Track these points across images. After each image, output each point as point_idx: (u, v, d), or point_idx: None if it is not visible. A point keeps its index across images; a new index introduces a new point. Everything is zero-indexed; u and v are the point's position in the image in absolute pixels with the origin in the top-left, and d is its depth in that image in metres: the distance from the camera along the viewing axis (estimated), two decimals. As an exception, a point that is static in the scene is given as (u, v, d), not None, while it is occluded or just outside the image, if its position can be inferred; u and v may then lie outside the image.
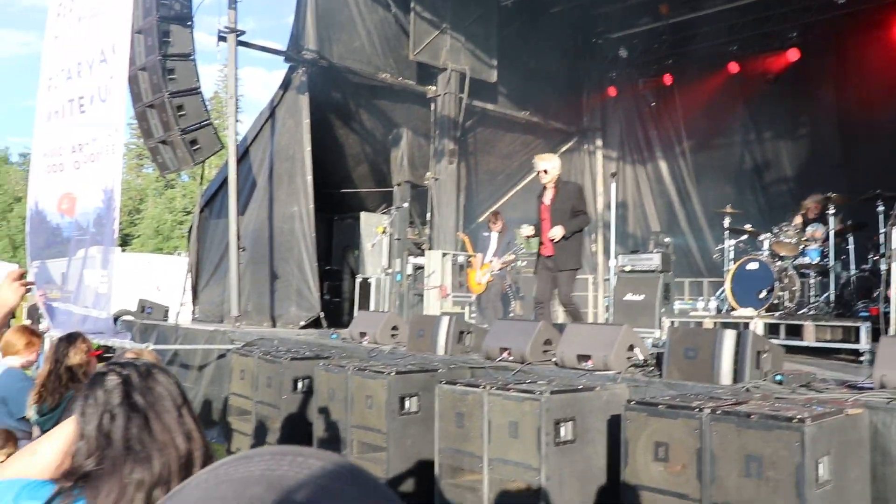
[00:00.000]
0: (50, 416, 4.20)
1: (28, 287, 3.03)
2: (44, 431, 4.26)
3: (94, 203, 9.73)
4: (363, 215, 13.00)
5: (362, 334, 8.20)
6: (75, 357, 4.23)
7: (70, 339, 4.31)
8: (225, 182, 11.57)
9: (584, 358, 5.87)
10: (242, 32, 10.69)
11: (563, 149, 16.39)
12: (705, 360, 5.15)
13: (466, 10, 13.43)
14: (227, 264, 11.26)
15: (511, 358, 6.30)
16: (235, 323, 9.95)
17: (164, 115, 10.49)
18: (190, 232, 13.53)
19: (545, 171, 7.81)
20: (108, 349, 8.32)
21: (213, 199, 12.47)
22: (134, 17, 9.80)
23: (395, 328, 8.09)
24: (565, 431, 4.66)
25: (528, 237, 8.13)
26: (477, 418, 4.92)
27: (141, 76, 10.69)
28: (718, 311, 9.62)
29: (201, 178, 12.97)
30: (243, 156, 11.70)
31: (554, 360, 6.18)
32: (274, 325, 10.91)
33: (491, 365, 6.29)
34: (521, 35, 14.22)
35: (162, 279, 20.16)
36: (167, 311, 11.73)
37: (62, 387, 4.17)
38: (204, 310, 12.39)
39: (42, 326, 10.56)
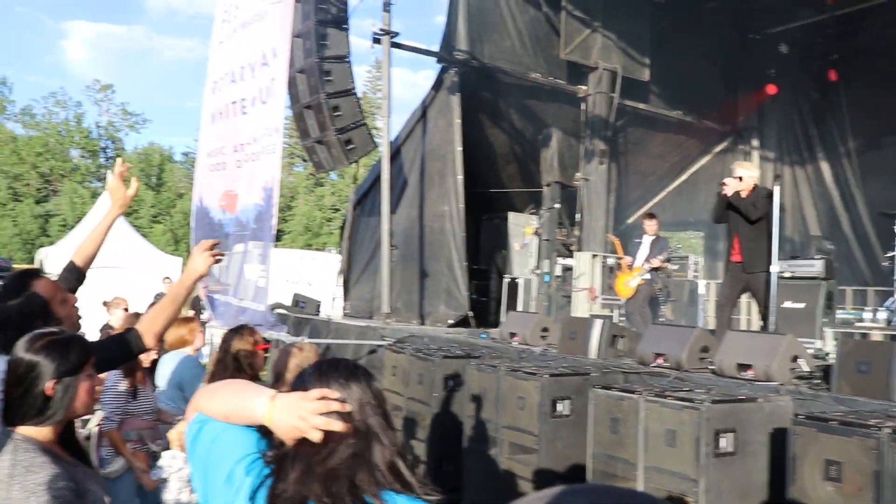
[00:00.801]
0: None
1: (217, 258, 3.16)
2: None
3: (255, 200, 10.14)
4: (511, 215, 13.00)
5: (512, 335, 8.19)
6: (241, 348, 4.39)
7: (238, 331, 4.48)
8: (376, 181, 11.82)
9: (744, 367, 5.64)
10: (396, 34, 10.89)
11: (718, 149, 15.89)
12: (880, 376, 4.84)
13: (618, 8, 13.19)
14: (377, 261, 11.50)
15: (666, 364, 6.14)
16: (386, 319, 10.14)
17: (320, 116, 10.82)
18: (342, 229, 13.91)
19: (740, 178, 7.45)
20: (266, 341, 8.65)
21: (365, 198, 12.77)
22: (293, 22, 10.14)
23: (545, 329, 8.04)
24: (725, 443, 4.49)
25: None
26: (632, 425, 4.82)
27: (299, 78, 11.06)
28: (888, 322, 9.04)
29: (354, 178, 13.31)
30: (395, 155, 11.92)
31: (711, 367, 5.98)
32: (422, 323, 11.06)
33: (645, 370, 6.15)
34: (675, 31, 13.85)
35: (312, 274, 20.82)
36: (319, 305, 12.10)
37: (228, 376, 4.34)
38: (354, 305, 12.70)
39: (204, 317, 11.11)
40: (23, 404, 2.31)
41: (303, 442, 1.65)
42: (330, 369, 1.77)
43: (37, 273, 3.12)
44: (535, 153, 13.14)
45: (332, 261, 21.37)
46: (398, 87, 75.24)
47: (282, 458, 1.67)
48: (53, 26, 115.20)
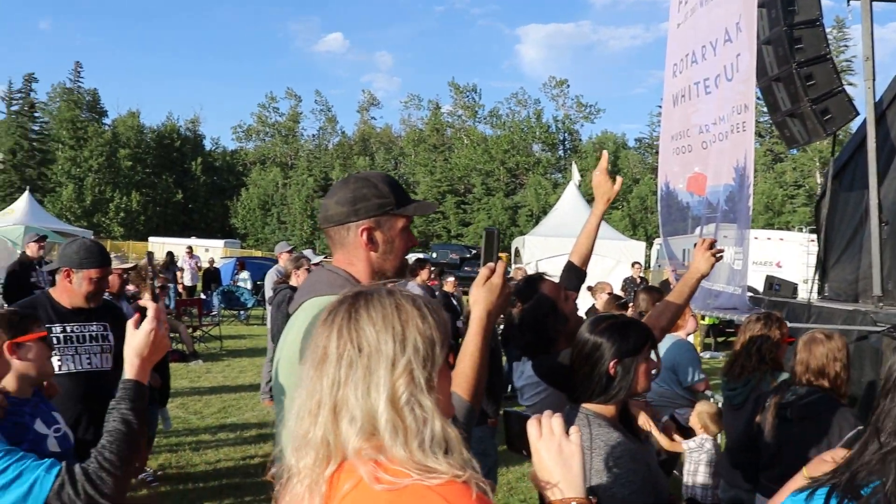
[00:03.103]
0: (736, 391, 4.32)
1: (718, 255, 3.19)
2: (731, 404, 4.42)
3: (725, 181, 9.88)
4: None
5: None
6: (766, 338, 4.28)
7: (763, 321, 4.38)
8: (857, 150, 10.83)
9: None
10: (879, -13, 9.85)
11: None
12: None
13: None
14: (860, 238, 10.53)
15: None
16: (878, 303, 9.24)
17: (791, 88, 10.19)
18: (818, 206, 12.99)
19: None
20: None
21: (844, 170, 11.74)
22: (755, -10, 9.65)
23: None
24: None
25: None
26: None
27: (765, 50, 10.53)
28: None
29: (833, 150, 12.36)
30: (879, 120, 10.79)
31: None
32: (918, 306, 9.89)
33: None
34: None
35: (780, 255, 19.86)
36: (795, 287, 11.44)
37: (750, 365, 4.26)
38: (834, 287, 11.78)
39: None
40: (589, 382, 2.49)
41: None
42: None
43: (541, 277, 3.36)
44: None
45: (800, 240, 20.17)
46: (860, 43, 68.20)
47: None
48: (510, 33, 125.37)
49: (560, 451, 1.58)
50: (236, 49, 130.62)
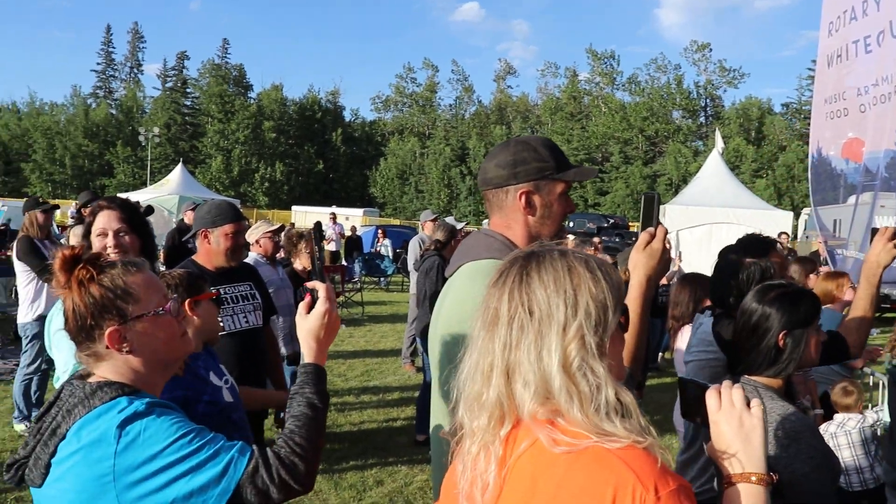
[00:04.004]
0: (897, 369, 4.15)
1: None
2: (894, 381, 4.23)
3: (886, 146, 9.34)
4: None
5: None
6: None
7: None
8: None
9: None
10: None
11: None
12: None
13: None
14: None
15: None
16: None
17: (962, 44, 9.48)
18: None
19: None
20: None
21: None
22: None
23: None
24: None
25: None
26: None
27: (934, 4, 9.83)
28: None
29: None
30: None
31: None
32: None
33: None
34: None
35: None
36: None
37: None
38: None
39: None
40: (756, 354, 2.41)
41: None
42: None
43: (775, 243, 3.23)
44: None
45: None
46: None
47: None
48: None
49: (741, 423, 1.54)
50: (374, 22, 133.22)
